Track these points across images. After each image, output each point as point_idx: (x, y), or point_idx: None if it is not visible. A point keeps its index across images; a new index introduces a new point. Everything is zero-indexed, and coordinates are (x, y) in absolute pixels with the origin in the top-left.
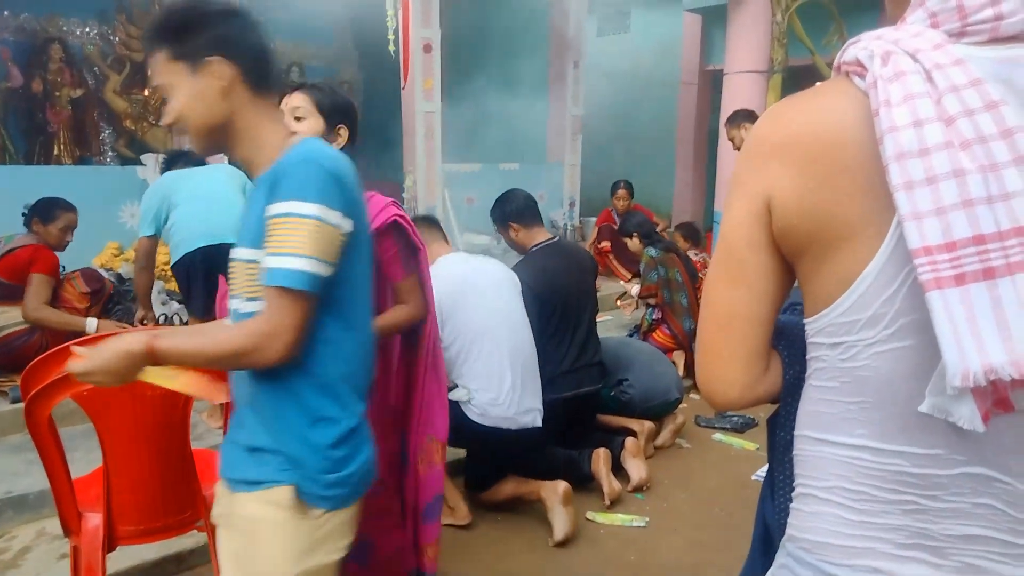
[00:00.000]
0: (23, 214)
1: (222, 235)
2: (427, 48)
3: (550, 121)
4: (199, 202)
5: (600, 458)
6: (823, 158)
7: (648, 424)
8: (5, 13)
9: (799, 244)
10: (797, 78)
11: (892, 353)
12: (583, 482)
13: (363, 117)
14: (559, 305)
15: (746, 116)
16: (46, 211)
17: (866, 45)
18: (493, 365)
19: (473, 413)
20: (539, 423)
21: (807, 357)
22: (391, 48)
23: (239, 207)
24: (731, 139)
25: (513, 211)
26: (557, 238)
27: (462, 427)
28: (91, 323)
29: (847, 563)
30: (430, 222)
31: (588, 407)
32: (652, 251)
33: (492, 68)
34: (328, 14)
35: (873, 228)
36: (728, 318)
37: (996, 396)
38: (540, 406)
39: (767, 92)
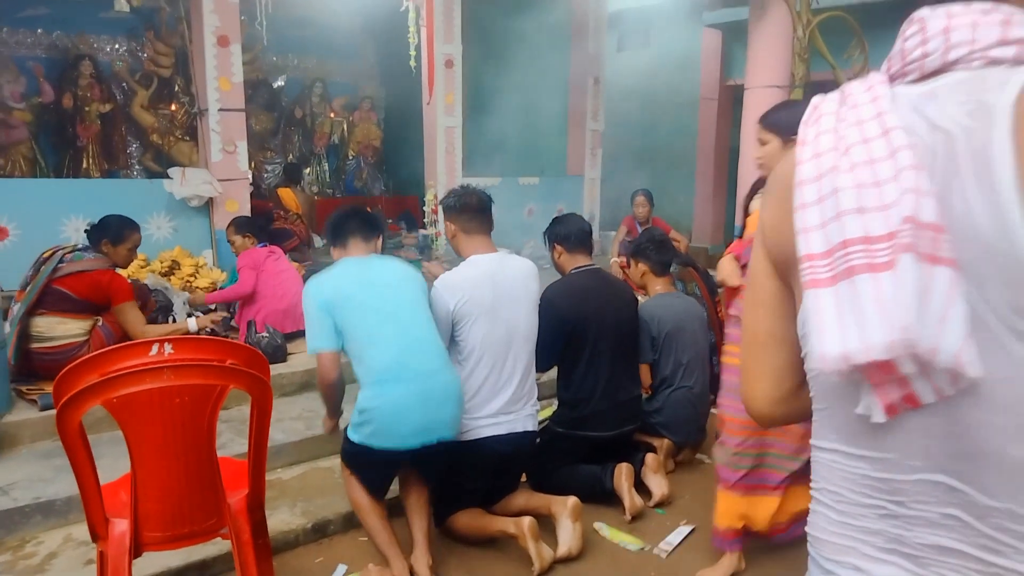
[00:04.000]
0: (86, 232)
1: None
2: (449, 64)
3: (570, 135)
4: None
5: (622, 473)
6: (781, 194)
7: (667, 440)
8: (39, 31)
9: (781, 267)
10: (820, 92)
11: None
12: (606, 497)
13: (384, 132)
14: (586, 330)
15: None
16: (117, 232)
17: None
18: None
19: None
20: (531, 427)
21: None
22: (413, 64)
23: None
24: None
25: (560, 233)
26: (597, 266)
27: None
28: (192, 323)
29: (835, 559)
30: (482, 208)
31: (626, 441)
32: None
33: (512, 83)
34: (351, 32)
35: None
36: (753, 337)
37: (903, 391)
38: (534, 412)
39: None
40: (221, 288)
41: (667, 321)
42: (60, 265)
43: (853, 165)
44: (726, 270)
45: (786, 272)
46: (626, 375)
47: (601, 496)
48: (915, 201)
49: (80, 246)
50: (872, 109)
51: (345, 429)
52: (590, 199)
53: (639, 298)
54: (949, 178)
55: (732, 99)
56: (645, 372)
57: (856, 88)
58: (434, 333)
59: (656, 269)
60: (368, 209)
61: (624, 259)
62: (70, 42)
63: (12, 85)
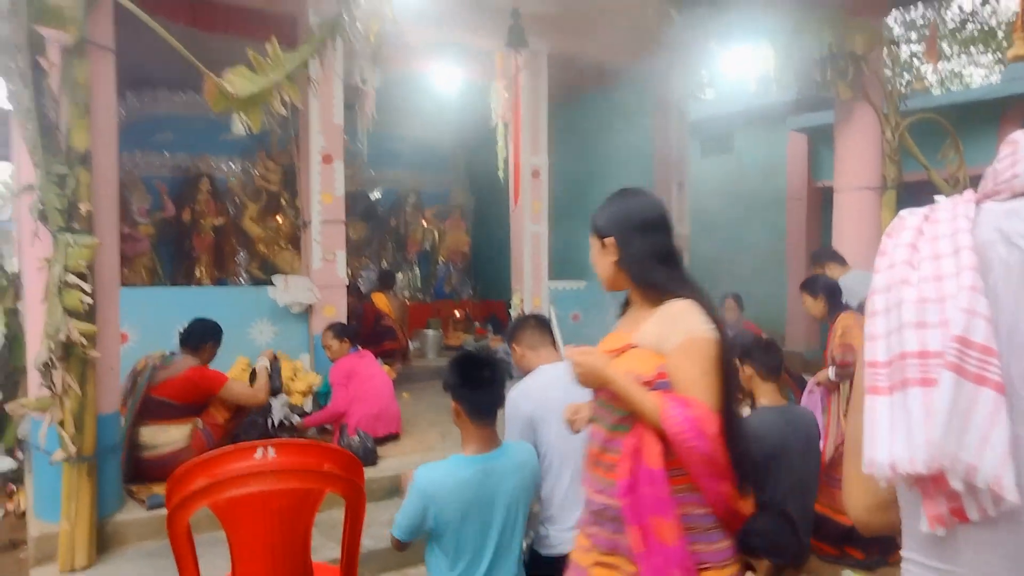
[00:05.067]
0: (180, 334)
1: None
2: (535, 174)
3: None
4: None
5: None
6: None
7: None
8: (166, 154)
9: None
10: (913, 193)
11: None
12: None
13: (473, 239)
14: None
15: (829, 255)
16: (216, 334)
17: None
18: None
19: (544, 546)
20: None
21: None
22: (501, 175)
23: None
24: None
25: None
26: None
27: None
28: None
29: None
30: (540, 324)
31: None
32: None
33: (597, 190)
34: (443, 146)
35: None
36: (854, 441)
37: (951, 505)
38: None
39: (881, 208)
40: (315, 393)
41: (771, 441)
42: (154, 373)
43: (920, 279)
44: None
45: None
46: None
47: None
48: (967, 321)
49: (168, 352)
50: (949, 227)
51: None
52: None
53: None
54: (1021, 294)
55: (821, 200)
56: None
57: (943, 205)
58: None
59: (764, 373)
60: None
61: None
62: (191, 162)
63: (140, 202)
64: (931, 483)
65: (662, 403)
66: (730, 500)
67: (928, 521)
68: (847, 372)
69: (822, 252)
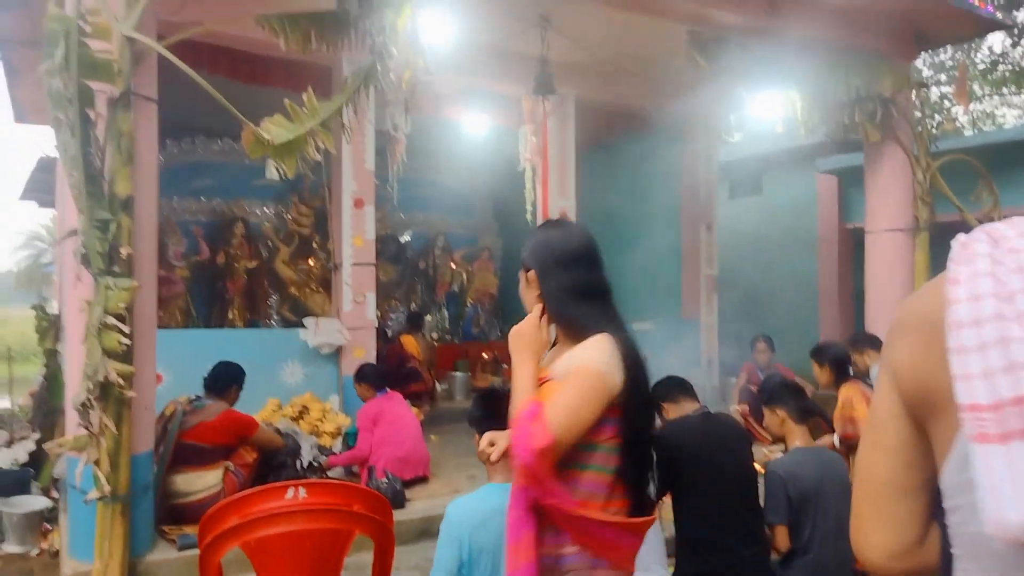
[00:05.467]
0: (205, 379)
1: None
2: (563, 216)
3: (684, 280)
4: None
5: None
6: (925, 332)
7: None
8: (202, 199)
9: (920, 410)
10: (948, 234)
11: None
12: None
13: (500, 280)
14: (695, 470)
15: (868, 341)
16: (239, 377)
17: (966, 235)
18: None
19: None
20: None
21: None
22: (529, 217)
23: None
24: (853, 362)
25: (660, 394)
26: (706, 409)
27: None
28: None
29: None
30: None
31: None
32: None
33: (625, 232)
34: (471, 190)
35: None
36: (871, 482)
37: None
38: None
39: (914, 250)
40: (345, 434)
41: (806, 481)
42: (185, 418)
43: (1019, 315)
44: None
45: (926, 415)
46: (746, 517)
47: None
48: None
49: (194, 396)
50: None
51: None
52: (707, 344)
53: (769, 449)
54: None
55: (852, 242)
56: (781, 534)
57: (1006, 231)
58: None
59: (796, 416)
60: None
61: (747, 407)
62: (226, 207)
63: (176, 246)
64: None
65: (521, 406)
66: (577, 520)
67: None
68: (851, 444)
69: (862, 338)
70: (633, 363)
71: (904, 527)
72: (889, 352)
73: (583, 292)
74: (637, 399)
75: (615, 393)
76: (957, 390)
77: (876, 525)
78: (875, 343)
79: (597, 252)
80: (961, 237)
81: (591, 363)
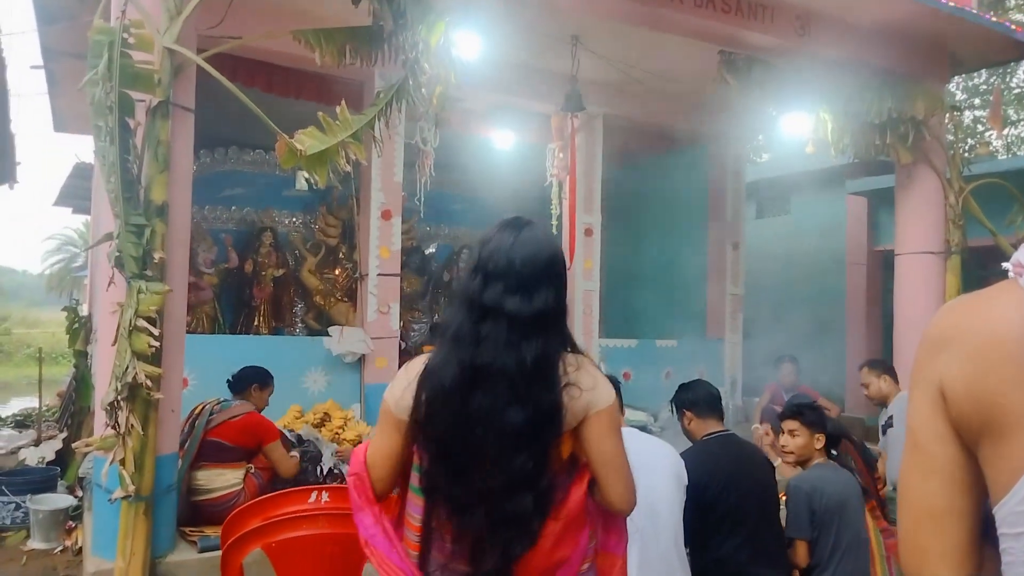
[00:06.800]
0: (229, 381)
1: None
2: (588, 232)
3: (709, 299)
4: None
5: None
6: (986, 349)
7: None
8: (232, 208)
9: (973, 431)
10: (980, 259)
11: None
12: None
13: None
14: (720, 497)
15: (884, 367)
16: (265, 379)
17: None
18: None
19: None
20: None
21: (999, 549)
22: (554, 232)
23: None
24: (865, 384)
25: (689, 399)
26: (730, 432)
27: None
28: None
29: None
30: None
31: None
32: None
33: (650, 248)
34: (497, 204)
35: None
36: (927, 512)
37: None
38: None
39: (945, 273)
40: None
41: (830, 495)
42: (212, 417)
43: None
44: None
45: (980, 437)
46: (768, 542)
47: None
48: None
49: (222, 398)
50: None
51: None
52: (731, 363)
53: (787, 467)
54: None
55: (882, 264)
56: (802, 550)
57: None
58: None
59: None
60: None
61: (768, 427)
62: (256, 216)
63: (206, 253)
64: None
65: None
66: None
67: None
68: None
69: (880, 363)
70: (430, 381)
71: (965, 556)
72: (930, 369)
73: (469, 304)
74: (430, 417)
75: (404, 417)
76: None
77: (937, 555)
78: (892, 371)
79: (514, 267)
80: None
81: (386, 391)
